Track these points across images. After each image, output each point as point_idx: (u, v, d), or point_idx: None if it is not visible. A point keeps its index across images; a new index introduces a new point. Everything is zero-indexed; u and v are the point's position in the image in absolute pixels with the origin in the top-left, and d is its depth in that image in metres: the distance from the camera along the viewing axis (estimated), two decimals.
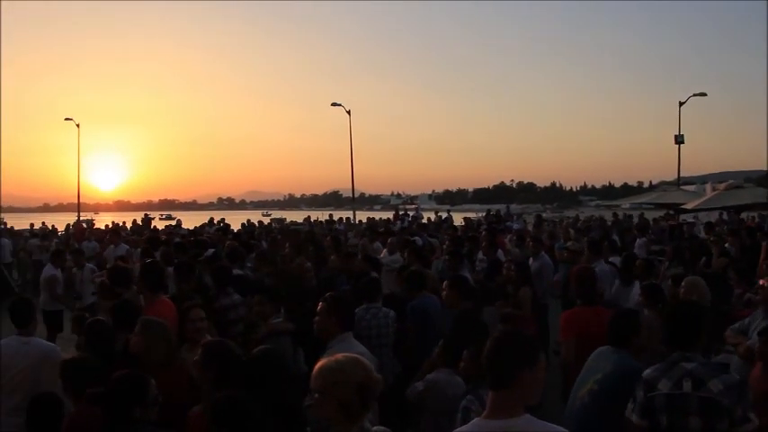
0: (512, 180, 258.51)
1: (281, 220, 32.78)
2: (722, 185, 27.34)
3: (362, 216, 33.22)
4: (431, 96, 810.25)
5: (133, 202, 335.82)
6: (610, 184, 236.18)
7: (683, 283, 6.62)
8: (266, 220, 31.40)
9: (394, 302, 6.87)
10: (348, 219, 28.05)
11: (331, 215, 29.08)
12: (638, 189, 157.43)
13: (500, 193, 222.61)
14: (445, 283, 6.76)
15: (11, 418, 4.93)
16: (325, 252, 10.45)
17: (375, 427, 2.80)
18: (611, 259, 10.07)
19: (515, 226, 21.16)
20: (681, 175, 33.84)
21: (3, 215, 60.76)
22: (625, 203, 40.68)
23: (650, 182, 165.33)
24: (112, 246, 13.93)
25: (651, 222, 22.15)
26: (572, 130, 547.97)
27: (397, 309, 6.62)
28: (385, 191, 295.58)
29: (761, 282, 6.01)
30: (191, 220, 29.19)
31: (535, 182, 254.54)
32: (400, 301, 7.05)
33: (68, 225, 28.90)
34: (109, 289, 6.79)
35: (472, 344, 4.39)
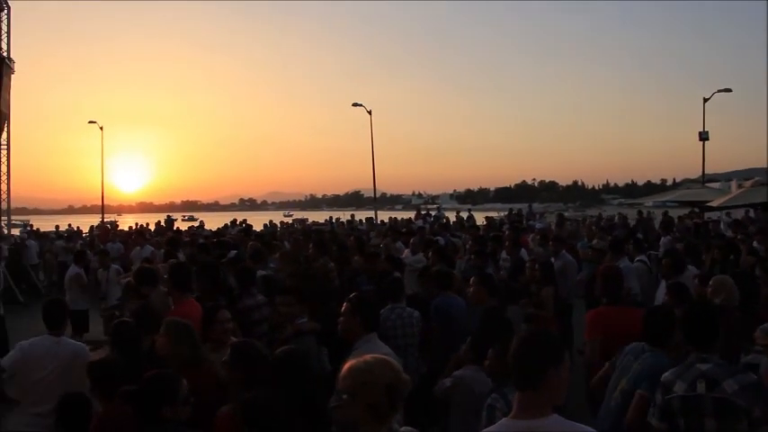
0: (533, 179, 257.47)
1: (303, 221, 32.85)
2: (748, 183, 27.06)
3: (384, 216, 33.23)
4: (452, 96, 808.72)
5: (156, 203, 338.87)
6: (632, 182, 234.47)
7: (710, 283, 6.54)
8: (288, 221, 31.53)
9: (417, 303, 6.88)
10: (370, 219, 28.07)
11: (353, 215, 29.11)
12: (662, 187, 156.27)
13: (522, 192, 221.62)
14: (472, 279, 6.73)
15: (48, 419, 4.98)
16: (348, 252, 10.47)
17: (403, 428, 2.80)
18: (638, 258, 10.00)
19: (538, 225, 21.04)
20: (705, 172, 33.55)
21: (29, 217, 61.81)
22: (648, 201, 40.20)
23: (674, 179, 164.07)
24: (138, 247, 14.10)
25: (676, 220, 21.93)
26: (594, 128, 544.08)
27: (419, 309, 6.63)
28: (406, 191, 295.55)
29: None
30: (213, 222, 29.34)
31: (557, 180, 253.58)
32: (423, 302, 7.05)
33: (92, 227, 29.16)
34: (135, 289, 6.85)
35: (498, 341, 4.37)
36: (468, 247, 12.72)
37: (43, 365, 5.25)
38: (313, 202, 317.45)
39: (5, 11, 23.46)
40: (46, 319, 5.50)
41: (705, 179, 33.88)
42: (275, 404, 3.35)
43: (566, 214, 34.31)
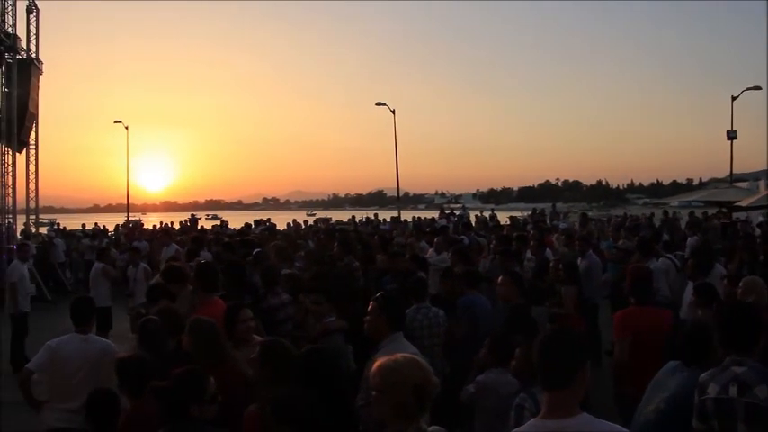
0: (557, 178, 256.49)
1: (327, 220, 32.91)
2: None
3: (407, 215, 33.21)
4: (475, 95, 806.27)
5: (180, 202, 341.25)
6: (658, 181, 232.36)
7: (740, 284, 6.46)
8: (311, 220, 31.62)
9: (439, 302, 6.87)
10: (393, 218, 28.08)
11: (376, 214, 29.13)
12: (688, 186, 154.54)
13: (545, 191, 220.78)
14: (502, 278, 6.69)
15: (78, 415, 5.04)
16: (372, 251, 10.47)
17: (431, 428, 2.79)
18: (666, 255, 9.93)
19: (562, 225, 20.90)
20: (733, 171, 33.13)
21: (55, 216, 62.59)
22: (674, 201, 39.83)
23: (700, 179, 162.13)
24: (165, 246, 14.30)
25: (703, 221, 21.70)
26: (619, 127, 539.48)
27: (442, 309, 6.62)
28: (429, 190, 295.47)
29: None
30: (236, 221, 29.52)
31: (581, 180, 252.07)
32: (445, 301, 7.04)
33: (117, 225, 29.49)
34: (164, 288, 6.92)
35: (524, 338, 4.34)
36: (492, 246, 12.69)
37: (72, 363, 5.31)
38: (336, 202, 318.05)
39: (34, 13, 23.77)
40: (74, 316, 5.56)
41: (733, 179, 33.43)
42: (304, 402, 3.35)
43: (590, 214, 34.04)
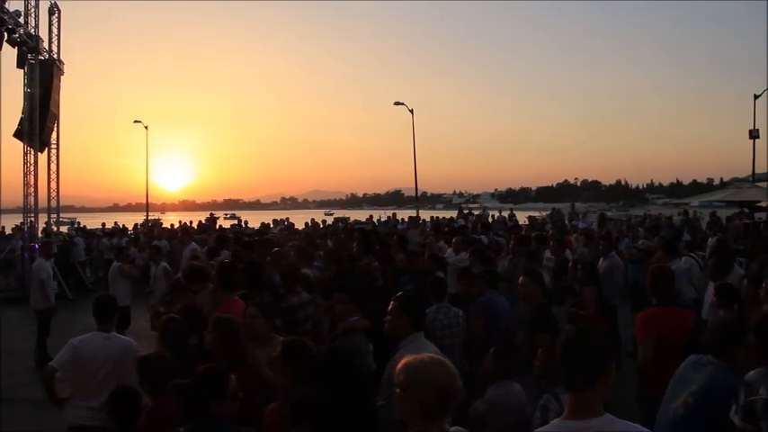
0: (576, 178, 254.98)
1: (345, 220, 32.93)
2: None
3: (425, 215, 33.14)
4: (493, 94, 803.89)
5: (198, 201, 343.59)
6: (678, 181, 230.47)
7: (764, 284, 6.38)
8: (329, 220, 31.65)
9: (458, 302, 6.86)
10: (411, 218, 28.04)
11: (394, 214, 29.13)
12: (709, 186, 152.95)
13: (564, 191, 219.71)
14: (524, 279, 6.65)
15: (100, 413, 5.09)
16: (391, 251, 10.47)
17: (453, 428, 2.78)
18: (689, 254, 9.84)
19: (581, 225, 20.75)
20: (755, 171, 32.78)
21: (75, 215, 63.12)
22: (694, 201, 39.40)
23: (721, 179, 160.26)
24: (185, 245, 14.45)
25: (724, 221, 21.49)
26: (638, 127, 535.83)
27: (461, 308, 6.61)
28: (447, 190, 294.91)
29: None
30: (255, 220, 29.59)
31: (600, 180, 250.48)
32: (464, 301, 7.03)
33: (136, 224, 29.71)
34: (185, 287, 6.96)
35: (549, 338, 4.31)
36: (510, 246, 12.63)
37: (94, 361, 5.36)
38: (354, 201, 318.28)
39: (56, 14, 23.99)
40: (96, 314, 5.61)
41: (755, 178, 33.04)
42: (323, 402, 3.35)
43: (609, 214, 33.83)
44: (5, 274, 20.41)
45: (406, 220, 26.64)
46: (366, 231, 16.47)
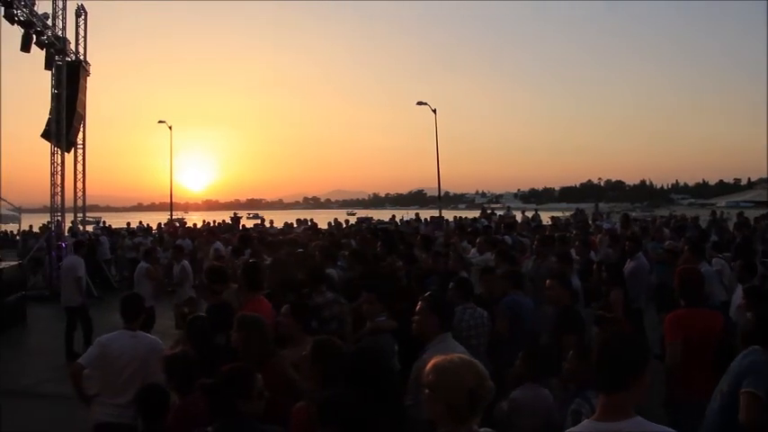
0: (599, 178, 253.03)
1: (368, 220, 32.93)
2: None
3: (448, 215, 33.06)
4: (515, 94, 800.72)
5: (221, 201, 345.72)
6: (704, 181, 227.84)
7: None
8: (352, 220, 31.68)
9: (482, 302, 6.84)
10: (433, 218, 27.99)
11: (417, 214, 29.10)
12: (735, 187, 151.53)
13: (587, 191, 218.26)
14: (550, 281, 6.61)
15: (127, 410, 5.15)
16: (414, 251, 10.46)
17: (482, 429, 2.77)
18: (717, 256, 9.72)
19: (606, 225, 20.56)
20: None
21: (100, 214, 63.79)
22: (721, 202, 39.13)
23: (748, 179, 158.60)
24: (210, 245, 14.58)
25: (753, 221, 21.21)
26: (663, 126, 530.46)
27: (486, 309, 6.58)
28: (469, 189, 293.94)
29: None
30: (277, 220, 29.73)
31: (624, 180, 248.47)
32: (488, 301, 7.01)
33: (160, 224, 29.95)
34: (209, 287, 7.01)
35: (576, 340, 4.29)
36: (534, 247, 12.56)
37: (121, 359, 5.40)
38: (376, 201, 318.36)
39: (83, 16, 24.26)
40: (123, 313, 5.66)
41: None
42: (351, 402, 3.36)
43: (633, 214, 33.51)
44: (34, 273, 20.64)
45: (428, 219, 26.61)
46: (389, 231, 16.49)
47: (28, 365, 11.69)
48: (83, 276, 12.30)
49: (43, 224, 25.58)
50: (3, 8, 17.73)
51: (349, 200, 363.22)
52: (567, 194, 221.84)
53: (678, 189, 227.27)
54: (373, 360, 3.95)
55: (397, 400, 4.06)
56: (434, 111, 35.13)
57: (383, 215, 42.61)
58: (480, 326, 6.17)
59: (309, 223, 22.40)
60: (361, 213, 62.60)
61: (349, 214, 53.42)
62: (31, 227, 28.12)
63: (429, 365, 2.82)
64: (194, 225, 28.01)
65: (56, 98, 21.18)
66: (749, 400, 3.92)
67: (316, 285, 6.85)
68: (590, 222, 23.25)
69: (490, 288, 7.42)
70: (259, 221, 29.51)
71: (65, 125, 21.30)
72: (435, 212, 32.38)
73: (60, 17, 21.21)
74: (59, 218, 21.22)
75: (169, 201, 42.71)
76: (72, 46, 22.63)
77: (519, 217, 26.71)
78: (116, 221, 34.80)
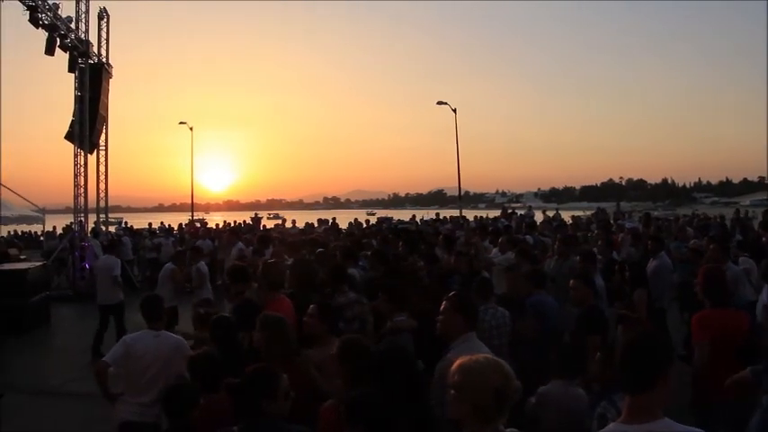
0: (620, 177, 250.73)
1: (388, 219, 32.84)
2: None
3: (468, 215, 32.93)
4: (535, 93, 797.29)
5: (242, 201, 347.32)
6: (727, 179, 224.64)
7: None
8: (372, 219, 31.68)
9: (505, 302, 6.81)
10: (453, 217, 27.89)
11: (438, 213, 29.01)
12: (760, 185, 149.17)
13: (608, 190, 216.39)
14: (574, 281, 6.57)
15: (151, 409, 5.19)
16: (436, 251, 10.44)
17: (509, 429, 2.75)
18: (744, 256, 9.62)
19: (628, 224, 20.37)
20: None
21: (122, 215, 64.36)
22: (746, 200, 38.64)
23: None
24: (232, 245, 14.66)
25: None
26: (685, 124, 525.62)
27: (508, 309, 6.55)
28: (489, 189, 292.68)
29: None
30: (299, 220, 29.82)
31: (645, 178, 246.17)
32: (511, 301, 6.98)
33: (181, 224, 30.12)
34: (231, 287, 7.04)
35: (600, 340, 4.25)
36: (556, 246, 12.49)
37: (145, 359, 5.44)
38: (396, 201, 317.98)
39: (105, 19, 24.49)
40: (145, 313, 5.71)
41: None
42: (379, 402, 3.35)
43: (655, 213, 33.24)
44: (57, 273, 20.83)
45: (448, 219, 26.51)
46: (411, 231, 16.46)
47: (53, 365, 11.82)
48: (119, 275, 12.49)
49: (66, 225, 25.83)
50: (28, 12, 18.00)
51: (369, 200, 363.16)
52: (588, 194, 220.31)
53: (701, 188, 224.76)
54: (401, 360, 3.95)
55: (423, 399, 4.05)
56: (454, 110, 35.02)
57: (403, 215, 42.49)
58: (502, 326, 6.14)
59: (330, 223, 22.42)
60: (381, 213, 62.44)
61: (369, 214, 53.34)
62: (54, 228, 28.41)
63: (454, 366, 2.80)
64: (216, 225, 28.13)
65: (79, 100, 21.43)
66: None
67: (338, 285, 6.86)
68: (611, 222, 23.06)
69: (515, 287, 7.39)
70: (280, 222, 29.58)
71: (88, 127, 21.53)
72: (455, 212, 32.25)
73: (83, 20, 21.47)
74: (82, 218, 21.43)
75: (190, 201, 42.95)
76: (94, 48, 22.87)
77: (540, 216, 26.54)
78: (137, 222, 35.04)
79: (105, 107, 23.72)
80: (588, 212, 34.33)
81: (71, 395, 9.60)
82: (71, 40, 20.27)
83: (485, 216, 29.44)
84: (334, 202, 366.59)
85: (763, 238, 14.86)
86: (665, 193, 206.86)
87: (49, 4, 18.69)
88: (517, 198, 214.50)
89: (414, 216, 30.95)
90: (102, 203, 25.59)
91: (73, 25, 20.51)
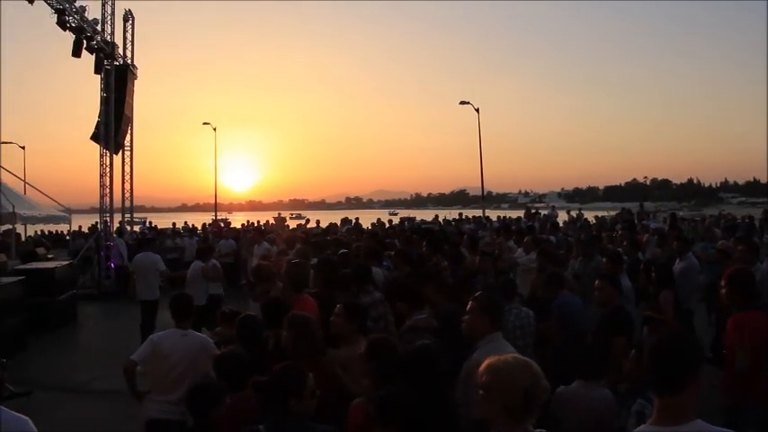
0: (645, 176, 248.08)
1: (411, 219, 32.82)
2: None
3: (491, 215, 32.82)
4: (558, 92, 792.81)
5: (264, 201, 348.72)
6: (755, 179, 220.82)
7: None
8: (395, 219, 31.67)
9: (530, 303, 6.78)
10: (476, 217, 27.82)
11: (461, 213, 28.95)
12: None
13: (632, 190, 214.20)
14: (599, 282, 6.52)
15: (177, 407, 5.22)
16: (460, 251, 10.40)
17: (538, 430, 2.73)
18: None
19: (653, 225, 20.18)
20: None
21: (146, 215, 64.84)
22: None
23: None
24: (257, 245, 14.75)
25: None
26: (711, 124, 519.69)
27: (533, 309, 6.52)
28: (512, 189, 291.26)
29: None
30: (323, 220, 29.94)
31: (670, 178, 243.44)
32: (536, 302, 6.95)
33: (205, 224, 30.33)
34: (256, 286, 7.06)
35: (627, 341, 4.21)
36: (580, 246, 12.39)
37: (172, 358, 5.48)
38: (419, 201, 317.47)
39: (130, 21, 24.73)
40: (174, 312, 5.76)
41: None
42: (409, 401, 3.35)
43: (680, 214, 32.89)
44: (83, 272, 21.04)
45: (471, 219, 26.45)
46: (434, 231, 16.44)
47: (79, 363, 11.96)
48: (165, 269, 12.58)
49: (92, 224, 26.10)
50: (56, 15, 18.26)
51: (391, 200, 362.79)
52: (612, 193, 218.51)
53: (727, 188, 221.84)
54: (431, 359, 3.93)
55: (450, 399, 4.04)
56: (477, 110, 34.94)
57: (426, 215, 42.43)
58: (526, 326, 6.11)
59: (354, 223, 22.45)
60: (404, 213, 62.40)
61: (391, 214, 53.37)
62: (80, 227, 28.73)
63: (483, 366, 2.79)
64: (242, 225, 28.30)
65: (104, 101, 21.64)
66: None
67: (362, 285, 6.86)
68: (636, 222, 22.87)
69: (542, 288, 7.34)
70: (303, 222, 29.71)
71: (113, 128, 21.75)
72: (478, 212, 32.16)
73: (109, 22, 21.71)
74: (108, 218, 21.65)
75: (213, 201, 43.15)
76: (120, 50, 23.10)
77: (563, 216, 26.40)
78: (161, 222, 35.32)
79: (130, 108, 23.98)
80: (612, 212, 34.06)
81: (97, 392, 9.72)
82: (97, 42, 20.51)
83: (508, 216, 29.30)
84: (356, 202, 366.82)
85: None
86: (691, 192, 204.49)
87: (76, 7, 18.93)
88: (540, 198, 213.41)
89: (436, 216, 30.91)
90: (126, 203, 25.86)
91: (99, 27, 20.75)
